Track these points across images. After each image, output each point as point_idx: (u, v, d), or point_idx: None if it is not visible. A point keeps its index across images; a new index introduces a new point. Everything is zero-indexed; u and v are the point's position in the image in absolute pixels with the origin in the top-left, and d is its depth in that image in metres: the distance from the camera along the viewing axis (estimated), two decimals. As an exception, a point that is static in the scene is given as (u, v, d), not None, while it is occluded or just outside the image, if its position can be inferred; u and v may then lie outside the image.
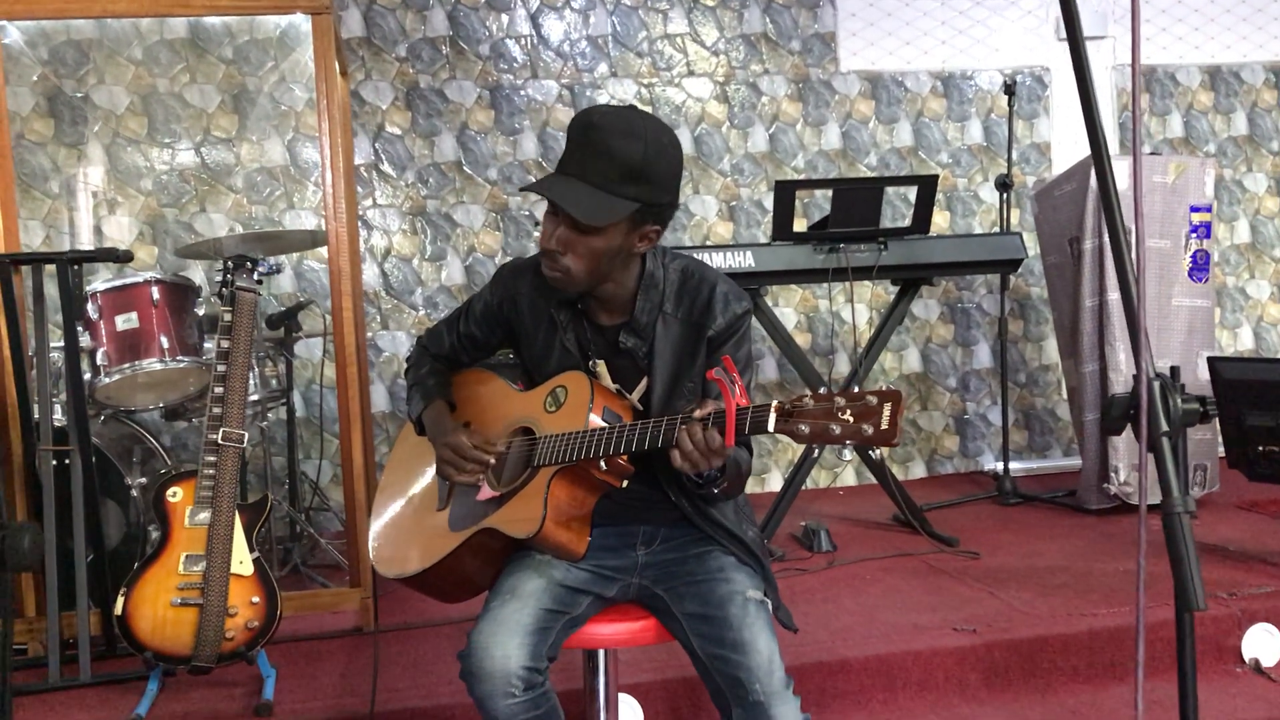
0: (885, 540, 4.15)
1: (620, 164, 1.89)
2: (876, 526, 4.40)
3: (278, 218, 4.77)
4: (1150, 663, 3.01)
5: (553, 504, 1.96)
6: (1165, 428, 1.18)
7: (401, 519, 2.25)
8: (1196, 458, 4.38)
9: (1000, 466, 4.89)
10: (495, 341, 2.26)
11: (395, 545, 2.21)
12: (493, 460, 2.08)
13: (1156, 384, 1.19)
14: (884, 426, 1.61)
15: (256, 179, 4.76)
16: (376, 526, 2.29)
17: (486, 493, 2.08)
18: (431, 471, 2.22)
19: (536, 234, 4.93)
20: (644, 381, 2.05)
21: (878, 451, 4.25)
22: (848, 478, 5.34)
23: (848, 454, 4.87)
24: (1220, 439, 3.77)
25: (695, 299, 2.06)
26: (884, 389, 1.62)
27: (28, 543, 0.98)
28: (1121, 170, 4.25)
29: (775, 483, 5.19)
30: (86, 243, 4.61)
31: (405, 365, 2.36)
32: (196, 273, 4.55)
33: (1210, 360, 3.61)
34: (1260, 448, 3.40)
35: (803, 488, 4.57)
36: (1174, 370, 1.08)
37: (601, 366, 2.07)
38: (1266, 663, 3.14)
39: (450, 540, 2.08)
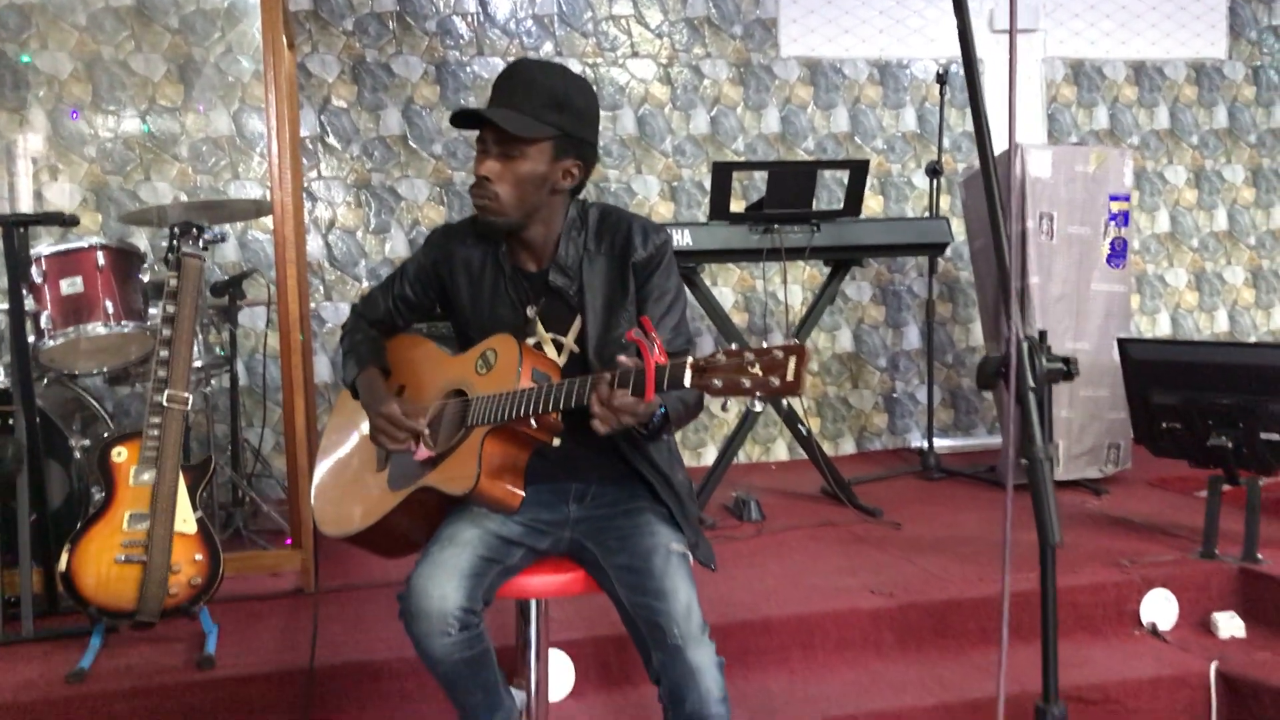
0: (812, 511, 4.32)
1: (542, 92, 2.08)
2: (805, 498, 4.56)
3: (223, 188, 4.80)
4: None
5: (486, 461, 2.07)
6: (1031, 384, 1.32)
7: (342, 480, 2.34)
8: (1110, 437, 4.59)
9: (926, 443, 5.08)
10: (429, 303, 2.35)
11: (337, 505, 2.31)
12: (425, 430, 2.18)
13: (1026, 345, 1.33)
14: (789, 378, 1.71)
15: (202, 149, 4.79)
16: (318, 487, 2.39)
17: (423, 453, 2.18)
18: (368, 434, 2.31)
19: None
20: (577, 321, 2.17)
21: (805, 425, 4.41)
22: (779, 453, 5.50)
23: (763, 404, 4.99)
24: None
25: (616, 233, 2.19)
26: (789, 343, 1.72)
27: (10, 452, 1.07)
28: (1045, 159, 4.44)
29: (711, 457, 5.32)
30: (27, 208, 4.61)
31: (340, 331, 2.45)
32: (141, 240, 4.58)
33: (1120, 341, 3.80)
34: (1164, 424, 3.59)
35: (736, 462, 4.73)
36: (1042, 334, 1.20)
37: (534, 312, 2.18)
38: (1163, 626, 3.33)
39: (390, 499, 2.18)
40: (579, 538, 2.18)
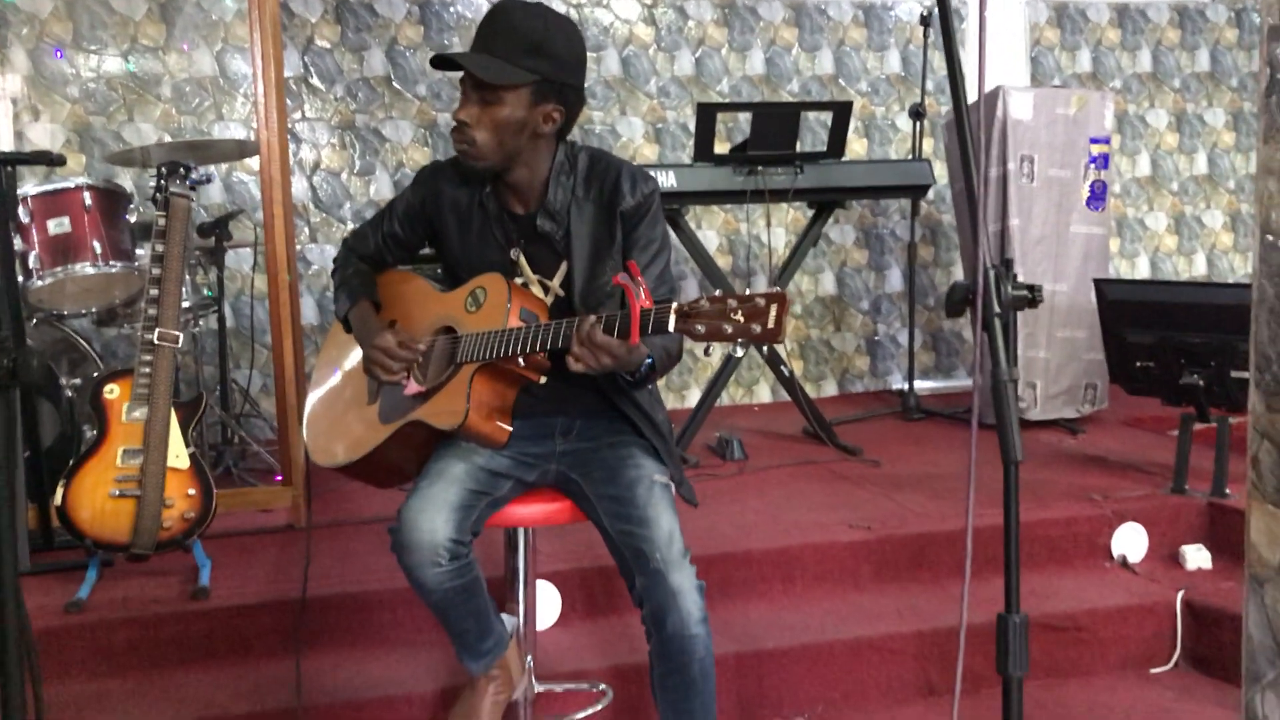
0: (794, 450, 4.40)
1: (522, 37, 2.08)
2: (787, 438, 4.64)
3: (206, 129, 4.80)
4: (1023, 559, 3.30)
5: (475, 398, 2.12)
6: (997, 309, 1.38)
7: (334, 412, 2.40)
8: (1087, 377, 4.67)
9: (907, 385, 5.15)
10: (417, 240, 2.39)
11: (329, 436, 2.36)
12: (418, 360, 2.23)
13: (993, 273, 1.39)
14: (770, 325, 1.76)
15: (185, 89, 4.77)
16: (310, 418, 2.44)
17: (413, 388, 2.23)
18: (360, 367, 2.36)
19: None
20: (563, 266, 2.21)
21: (788, 367, 4.47)
22: (762, 395, 5.57)
23: (745, 349, 5.07)
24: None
25: (604, 180, 2.21)
26: (771, 290, 1.76)
27: (36, 363, 1.12)
28: (1026, 101, 4.47)
29: (695, 398, 5.39)
30: (8, 149, 4.59)
31: (332, 266, 2.49)
32: (125, 181, 4.56)
33: (1096, 281, 3.86)
34: (1138, 363, 3.67)
35: (719, 404, 4.79)
36: (1008, 262, 1.25)
37: (521, 257, 2.22)
38: (1133, 559, 3.43)
39: (381, 432, 2.24)
40: (565, 470, 2.24)
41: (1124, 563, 3.42)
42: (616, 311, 1.92)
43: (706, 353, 1.89)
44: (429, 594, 2.07)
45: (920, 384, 5.33)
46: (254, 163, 4.76)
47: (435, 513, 2.04)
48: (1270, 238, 1.50)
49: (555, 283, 2.22)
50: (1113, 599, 3.18)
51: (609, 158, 2.26)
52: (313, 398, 2.47)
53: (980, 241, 1.37)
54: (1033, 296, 1.42)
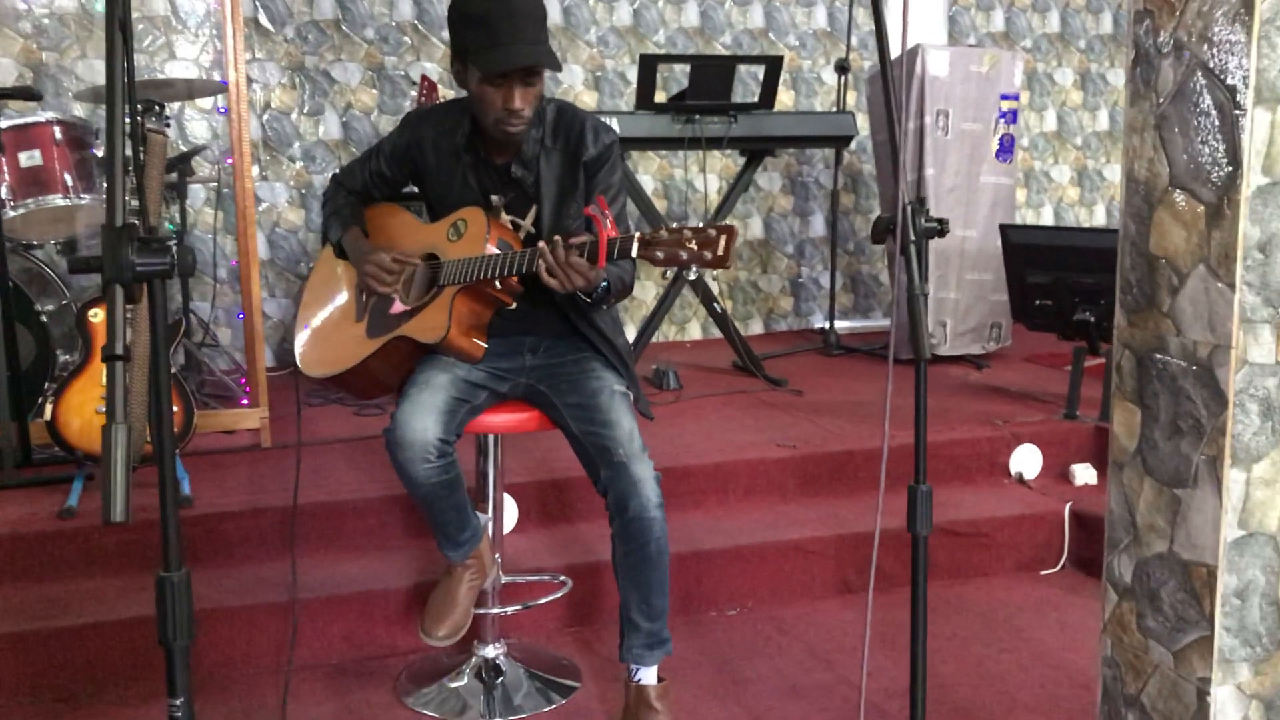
0: (725, 381, 4.73)
1: (539, 19, 2.34)
2: (718, 371, 4.97)
3: (158, 67, 4.92)
4: (931, 475, 3.68)
5: (456, 316, 2.39)
6: (913, 237, 1.70)
7: (324, 328, 2.65)
8: (992, 317, 5.06)
9: (828, 324, 5.51)
10: (402, 179, 2.64)
11: (320, 349, 2.61)
12: (411, 271, 2.49)
13: (909, 208, 1.70)
14: (720, 253, 2.06)
15: (138, 27, 4.88)
16: (303, 334, 2.68)
17: (399, 307, 2.49)
18: (348, 288, 2.61)
19: (413, 93, 5.22)
20: (534, 209, 2.48)
21: (720, 304, 4.79)
22: (694, 332, 5.89)
23: (698, 274, 5.37)
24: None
25: (570, 132, 2.48)
26: (721, 224, 2.06)
27: (190, 257, 1.37)
28: (943, 59, 4.80)
29: (632, 335, 5.69)
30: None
31: (322, 198, 2.72)
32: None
33: (1001, 226, 4.23)
34: (1037, 301, 4.05)
35: (654, 340, 5.11)
36: (922, 199, 1.48)
37: (498, 200, 2.49)
38: (1029, 475, 3.83)
39: (368, 346, 2.50)
40: (533, 383, 2.53)
41: (1020, 479, 3.82)
42: (587, 239, 2.19)
43: (665, 275, 2.18)
44: (418, 487, 2.34)
45: (840, 323, 5.70)
46: (204, 102, 4.91)
47: (425, 415, 2.31)
48: (1133, 183, 1.83)
49: (527, 222, 2.49)
50: (1010, 510, 3.57)
51: (574, 110, 2.52)
52: (304, 316, 2.71)
53: (900, 182, 1.68)
54: (941, 228, 1.74)
